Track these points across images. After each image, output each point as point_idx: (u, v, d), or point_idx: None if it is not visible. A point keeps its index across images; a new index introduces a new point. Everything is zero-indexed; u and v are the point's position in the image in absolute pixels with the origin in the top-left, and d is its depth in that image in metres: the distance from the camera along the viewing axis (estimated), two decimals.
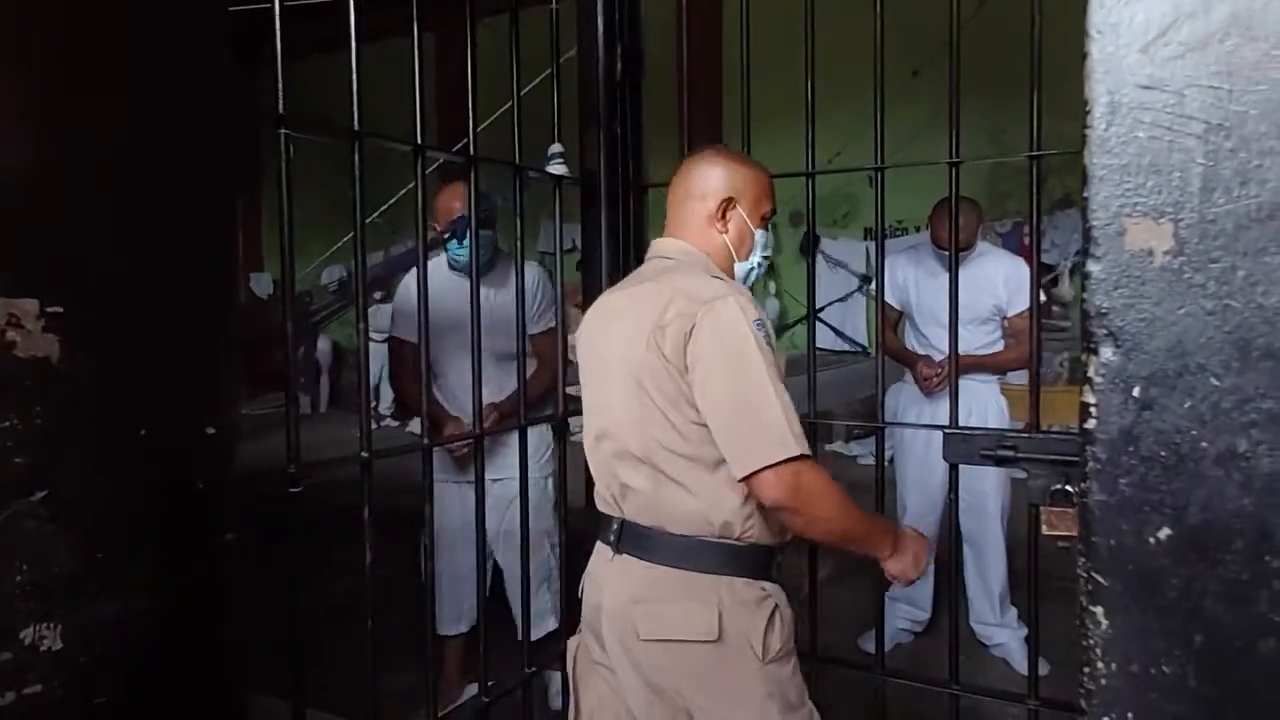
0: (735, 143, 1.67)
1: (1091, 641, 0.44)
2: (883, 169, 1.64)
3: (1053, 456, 1.43)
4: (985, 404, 2.86)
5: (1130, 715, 0.43)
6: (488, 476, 2.32)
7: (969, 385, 2.69)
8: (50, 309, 0.94)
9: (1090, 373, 0.44)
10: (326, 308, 5.34)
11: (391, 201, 4.83)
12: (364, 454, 1.45)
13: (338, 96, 1.41)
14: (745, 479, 1.29)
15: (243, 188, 10.11)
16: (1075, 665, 0.49)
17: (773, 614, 1.36)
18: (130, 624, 1.09)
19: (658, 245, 1.55)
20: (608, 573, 1.45)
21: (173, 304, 1.14)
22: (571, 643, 1.60)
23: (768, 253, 1.55)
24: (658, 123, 2.01)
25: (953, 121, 1.53)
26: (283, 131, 1.29)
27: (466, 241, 2.41)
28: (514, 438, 1.83)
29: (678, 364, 1.32)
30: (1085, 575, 0.45)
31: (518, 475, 1.84)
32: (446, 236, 2.42)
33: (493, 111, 2.03)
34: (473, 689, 2.38)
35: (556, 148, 1.89)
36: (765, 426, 1.27)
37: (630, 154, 1.92)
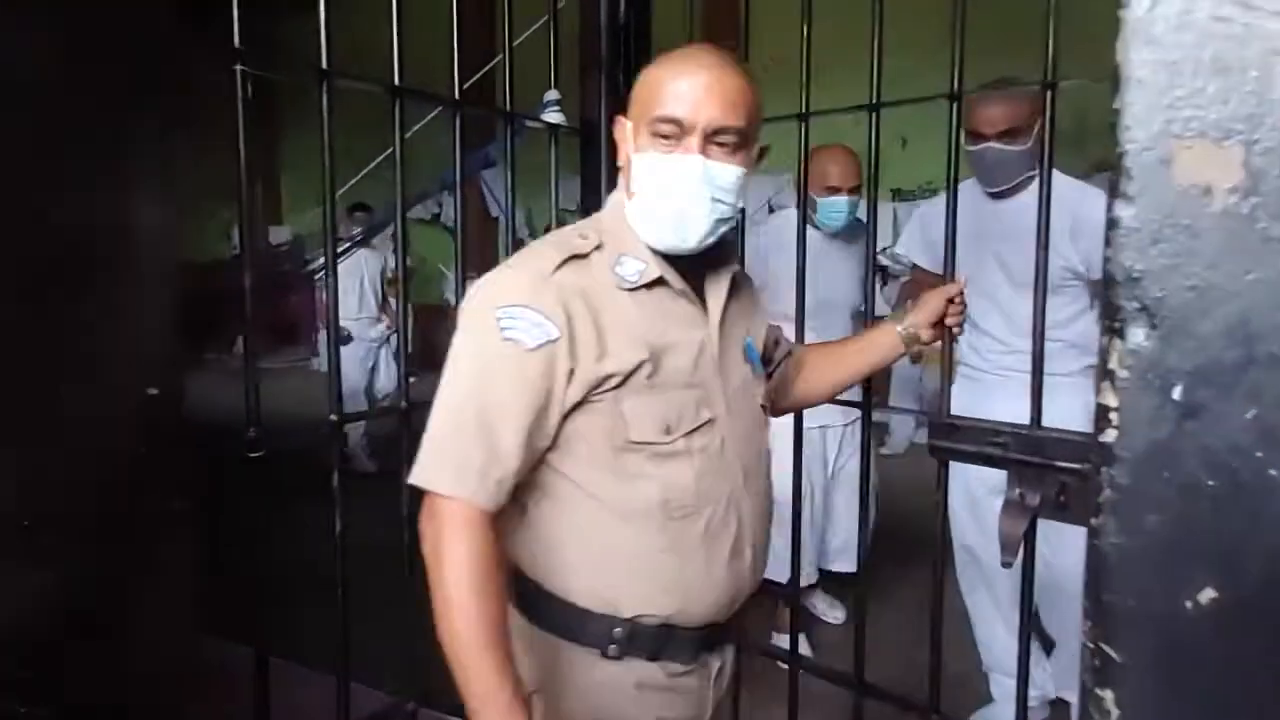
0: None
1: None
2: (878, 107, 1.49)
3: (1050, 461, 1.24)
4: (1067, 406, 1.73)
5: None
6: None
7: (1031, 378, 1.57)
8: None
9: (1112, 364, 0.31)
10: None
11: (385, 154, 4.72)
12: (333, 417, 1.37)
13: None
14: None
15: (257, 141, 10.10)
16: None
17: None
18: (65, 591, 1.03)
19: None
20: None
21: (104, 256, 1.04)
22: None
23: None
24: None
25: (956, 54, 1.38)
26: (238, 68, 1.20)
27: (841, 207, 2.53)
28: None
29: None
30: (1092, 646, 0.32)
31: None
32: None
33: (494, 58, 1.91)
34: None
35: (552, 94, 1.76)
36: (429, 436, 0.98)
37: None
